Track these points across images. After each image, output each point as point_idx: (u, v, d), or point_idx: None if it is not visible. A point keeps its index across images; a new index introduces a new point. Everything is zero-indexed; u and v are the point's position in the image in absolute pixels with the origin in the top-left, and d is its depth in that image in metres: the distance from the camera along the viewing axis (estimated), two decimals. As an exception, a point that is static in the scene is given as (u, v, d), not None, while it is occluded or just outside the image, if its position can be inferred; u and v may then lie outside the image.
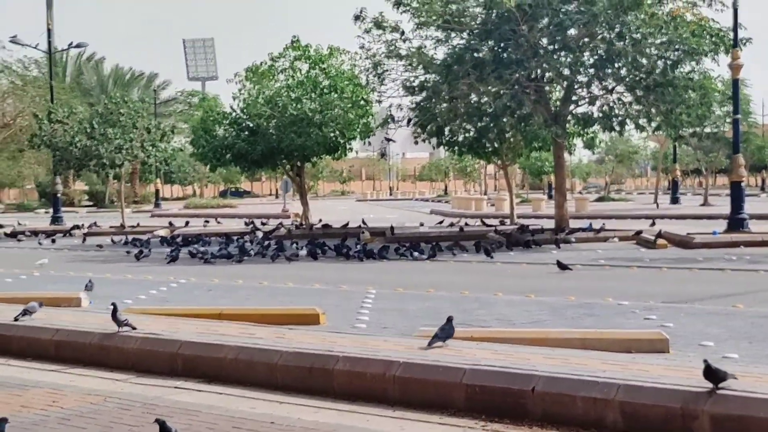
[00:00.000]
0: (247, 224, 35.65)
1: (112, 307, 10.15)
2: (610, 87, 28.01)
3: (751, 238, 25.49)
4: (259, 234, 31.39)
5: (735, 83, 28.13)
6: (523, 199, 62.64)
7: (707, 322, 11.63)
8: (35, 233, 35.85)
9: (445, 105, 29.15)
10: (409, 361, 7.96)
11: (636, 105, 27.91)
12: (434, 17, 28.02)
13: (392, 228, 30.39)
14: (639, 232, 27.48)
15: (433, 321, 10.71)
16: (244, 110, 35.09)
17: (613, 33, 26.33)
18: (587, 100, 28.76)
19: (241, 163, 36.20)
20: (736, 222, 27.22)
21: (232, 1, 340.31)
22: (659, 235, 25.92)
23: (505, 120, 28.97)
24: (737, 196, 27.67)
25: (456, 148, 32.47)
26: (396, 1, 28.03)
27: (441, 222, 36.65)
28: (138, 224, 39.38)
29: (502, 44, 27.19)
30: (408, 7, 28.08)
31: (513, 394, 7.26)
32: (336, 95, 33.82)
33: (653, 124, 28.87)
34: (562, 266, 19.18)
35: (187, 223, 38.99)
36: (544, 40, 27.32)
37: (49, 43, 46.53)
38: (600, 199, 63.45)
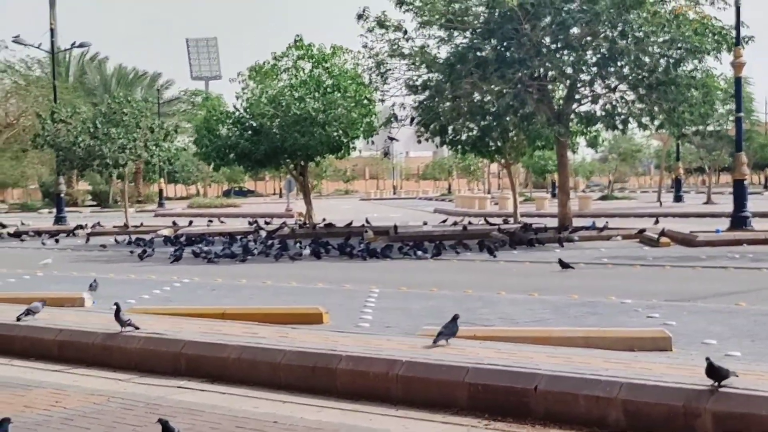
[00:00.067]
0: (250, 224, 35.64)
1: (115, 307, 10.14)
2: (612, 85, 28.02)
3: (754, 236, 25.49)
4: (263, 233, 31.40)
5: (737, 81, 28.10)
6: (526, 197, 62.62)
7: (710, 320, 11.63)
8: (38, 233, 35.88)
9: (448, 104, 29.17)
10: (412, 360, 7.96)
11: (639, 103, 27.92)
12: (437, 16, 28.04)
13: (396, 227, 30.38)
14: (642, 231, 27.46)
15: (436, 320, 10.70)
16: (248, 110, 35.11)
17: (616, 31, 26.33)
18: (590, 98, 28.76)
19: (245, 162, 36.23)
20: (739, 220, 27.25)
21: (235, 1, 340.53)
22: (662, 233, 25.90)
23: (508, 119, 28.95)
24: (740, 194, 27.68)
25: (459, 147, 32.45)
26: (399, 1, 28.05)
27: (444, 221, 36.64)
28: (141, 224, 39.46)
29: (504, 43, 27.20)
30: (411, 7, 28.10)
31: (516, 392, 7.26)
32: (339, 94, 33.83)
33: (656, 123, 28.91)
34: (564, 265, 19.18)
35: (190, 222, 38.98)
36: (547, 39, 27.31)
37: (52, 42, 46.55)
38: (603, 198, 63.42)
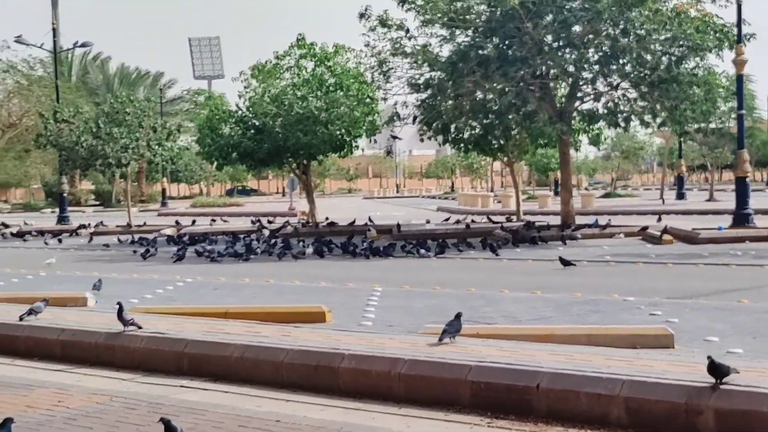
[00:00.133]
0: (253, 223, 35.66)
1: (117, 306, 10.16)
2: (614, 83, 28.01)
3: (756, 233, 25.46)
4: (266, 232, 31.41)
5: (739, 79, 28.05)
6: (529, 195, 62.62)
7: (712, 317, 11.64)
8: (42, 233, 35.90)
9: (450, 102, 29.18)
10: (415, 358, 7.98)
11: (641, 101, 27.93)
12: (439, 15, 28.05)
13: (399, 225, 30.42)
14: (645, 228, 27.44)
15: (439, 318, 10.72)
16: (250, 109, 35.10)
17: (618, 29, 26.32)
18: (592, 96, 28.77)
19: (248, 161, 36.23)
20: (741, 217, 27.23)
21: (238, 0, 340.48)
22: (665, 230, 25.88)
23: (510, 117, 28.95)
24: (742, 191, 27.66)
25: (462, 145, 32.48)
26: (401, -1, 28.08)
27: (447, 219, 36.68)
28: (144, 223, 39.50)
29: (506, 41, 27.20)
30: (413, 5, 28.10)
31: (518, 390, 7.27)
32: (342, 93, 33.82)
33: (658, 120, 28.87)
34: (565, 262, 19.18)
35: (193, 221, 39.03)
36: (549, 37, 27.31)
37: (55, 42, 46.55)
38: (606, 195, 63.40)
